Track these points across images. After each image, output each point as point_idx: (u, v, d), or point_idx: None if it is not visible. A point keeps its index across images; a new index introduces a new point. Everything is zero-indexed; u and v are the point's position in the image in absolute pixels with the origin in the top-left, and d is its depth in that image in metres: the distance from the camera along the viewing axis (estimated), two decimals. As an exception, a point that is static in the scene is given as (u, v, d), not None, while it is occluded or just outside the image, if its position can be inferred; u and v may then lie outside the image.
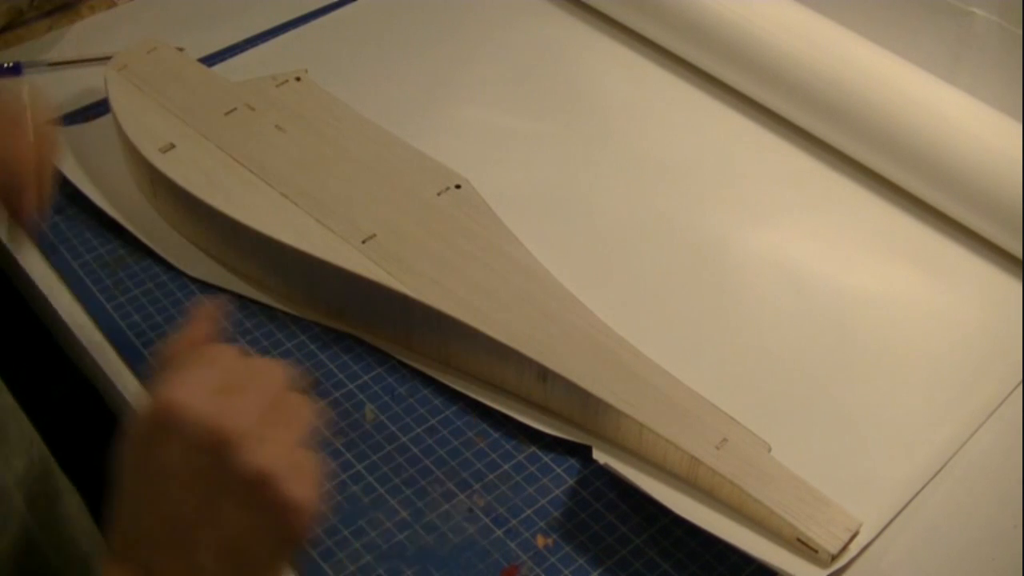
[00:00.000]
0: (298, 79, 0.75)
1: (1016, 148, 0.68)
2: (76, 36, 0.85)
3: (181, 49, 0.77)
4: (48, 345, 0.68)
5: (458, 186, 0.68)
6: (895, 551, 0.56)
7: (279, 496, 0.40)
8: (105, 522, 0.42)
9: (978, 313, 0.68)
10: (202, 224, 0.67)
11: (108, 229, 0.70)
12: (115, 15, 0.88)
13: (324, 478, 0.42)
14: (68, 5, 0.88)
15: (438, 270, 0.62)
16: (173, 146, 0.68)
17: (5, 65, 0.81)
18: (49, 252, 0.69)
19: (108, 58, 0.75)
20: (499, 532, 0.56)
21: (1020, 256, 0.69)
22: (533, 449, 0.60)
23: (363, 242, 0.63)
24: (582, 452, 0.59)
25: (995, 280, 0.69)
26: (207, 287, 0.67)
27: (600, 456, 0.58)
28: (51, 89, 0.79)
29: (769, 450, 0.57)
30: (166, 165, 0.67)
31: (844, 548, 0.54)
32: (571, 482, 0.59)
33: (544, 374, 0.59)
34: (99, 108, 0.77)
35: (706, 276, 0.69)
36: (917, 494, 0.58)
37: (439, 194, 0.67)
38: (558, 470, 0.59)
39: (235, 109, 0.72)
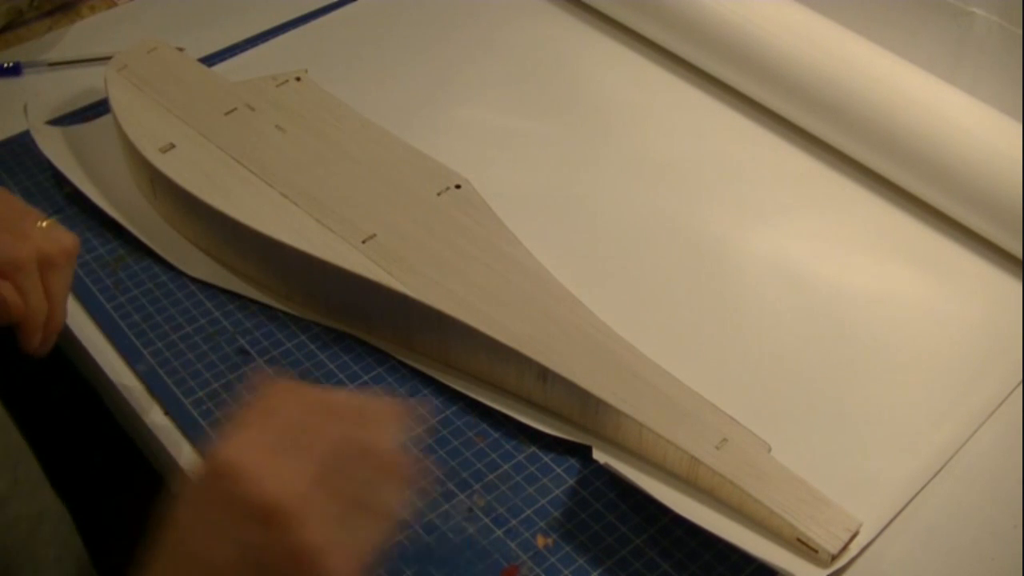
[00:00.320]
0: (298, 79, 0.75)
1: (1016, 148, 0.68)
2: (76, 36, 0.85)
3: (181, 49, 0.77)
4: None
5: (458, 186, 0.68)
6: (895, 551, 0.56)
7: (319, 573, 0.39)
8: (138, 562, 0.41)
9: (978, 313, 0.68)
10: (202, 224, 0.67)
11: (108, 229, 0.70)
12: (115, 15, 0.88)
13: (387, 534, 0.41)
14: (68, 5, 0.88)
15: (438, 270, 0.62)
16: (173, 146, 0.68)
17: (5, 65, 0.81)
18: (49, 252, 0.69)
19: (108, 58, 0.75)
20: (499, 532, 0.56)
21: (1020, 256, 0.69)
22: (533, 449, 0.60)
23: (363, 242, 0.63)
24: (582, 452, 0.59)
25: (995, 280, 0.69)
26: (207, 287, 0.67)
27: (600, 456, 0.58)
28: (51, 89, 0.80)
29: (769, 450, 0.57)
30: (166, 165, 0.67)
31: (844, 548, 0.54)
32: (571, 482, 0.59)
33: (544, 374, 0.59)
34: (99, 108, 0.77)
35: (706, 276, 0.69)
36: (917, 494, 0.58)
37: (439, 194, 0.67)
38: (558, 470, 0.59)
39: (235, 109, 0.72)
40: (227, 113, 0.71)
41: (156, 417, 0.61)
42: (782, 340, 0.65)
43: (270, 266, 0.66)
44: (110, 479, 0.77)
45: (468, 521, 0.57)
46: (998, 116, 0.71)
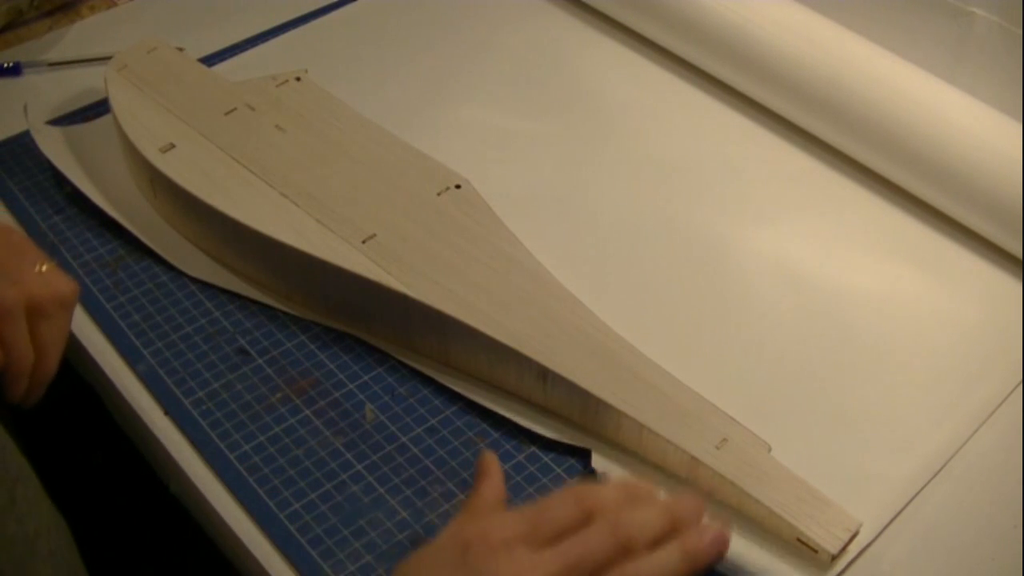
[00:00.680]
0: (298, 79, 0.75)
1: (1016, 148, 0.68)
2: (76, 36, 0.85)
3: (181, 49, 0.77)
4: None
5: (458, 186, 0.68)
6: (895, 551, 0.56)
7: None
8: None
9: (978, 313, 0.68)
10: (202, 224, 0.67)
11: (108, 229, 0.70)
12: (115, 15, 0.88)
13: None
14: (68, 5, 0.88)
15: (438, 270, 0.62)
16: (173, 146, 0.68)
17: (5, 65, 0.81)
18: (49, 252, 0.69)
19: (108, 58, 0.75)
20: (499, 532, 0.56)
21: (1020, 256, 0.69)
22: (533, 449, 0.60)
23: (363, 242, 0.63)
24: (582, 452, 0.59)
25: (995, 280, 0.69)
26: (207, 287, 0.67)
27: (599, 463, 0.58)
28: (51, 89, 0.80)
29: (769, 450, 0.57)
30: (166, 165, 0.67)
31: (844, 548, 0.54)
32: (571, 482, 0.58)
33: (544, 374, 0.59)
34: (99, 108, 0.77)
35: (706, 276, 0.69)
36: (917, 494, 0.58)
37: (439, 194, 0.67)
38: (558, 470, 0.59)
39: (235, 109, 0.72)
40: (227, 113, 0.71)
41: (156, 417, 0.61)
42: (782, 340, 0.65)
43: (270, 266, 0.66)
44: (110, 479, 0.77)
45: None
46: (998, 116, 0.71)
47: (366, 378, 0.63)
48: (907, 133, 0.71)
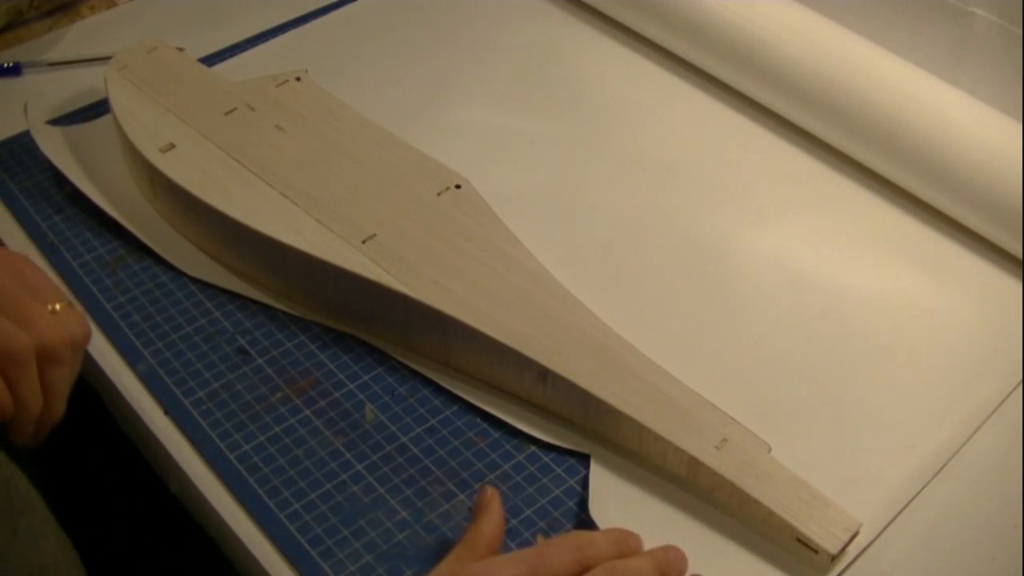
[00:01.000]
0: (298, 79, 0.75)
1: (1016, 148, 0.68)
2: (76, 36, 0.85)
3: (181, 49, 0.77)
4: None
5: (458, 186, 0.68)
6: (895, 551, 0.56)
7: None
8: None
9: (978, 313, 0.68)
10: (202, 224, 0.67)
11: (108, 229, 0.70)
12: (115, 15, 0.88)
13: None
14: (68, 5, 0.88)
15: (438, 270, 0.62)
16: (173, 146, 0.68)
17: (5, 65, 0.81)
18: (49, 252, 0.69)
19: (108, 58, 0.75)
20: (499, 532, 0.56)
21: (1020, 256, 0.69)
22: (533, 449, 0.60)
23: (363, 242, 0.63)
24: (582, 453, 0.59)
25: (995, 280, 0.69)
26: (207, 287, 0.67)
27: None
28: (51, 89, 0.80)
29: (769, 450, 0.57)
30: (166, 165, 0.67)
31: (844, 548, 0.54)
32: (571, 482, 0.59)
33: (544, 374, 0.59)
34: (99, 108, 0.77)
35: (706, 276, 0.69)
36: (917, 494, 0.58)
37: (439, 194, 0.67)
38: (558, 470, 0.59)
39: (235, 109, 0.72)
40: (227, 113, 0.71)
41: (156, 417, 0.61)
42: (782, 340, 0.66)
43: (270, 266, 0.66)
44: (110, 479, 0.77)
45: (468, 521, 0.56)
46: (998, 116, 0.71)
47: (366, 378, 0.63)
48: (907, 133, 0.71)
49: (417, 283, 0.61)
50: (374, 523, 0.56)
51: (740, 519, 0.56)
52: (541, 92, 0.82)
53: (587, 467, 0.59)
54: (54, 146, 0.73)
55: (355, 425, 0.61)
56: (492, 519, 0.52)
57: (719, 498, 0.56)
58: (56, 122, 0.77)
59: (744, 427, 0.58)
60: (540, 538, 0.56)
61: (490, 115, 0.80)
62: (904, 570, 0.55)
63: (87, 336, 0.55)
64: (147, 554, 0.75)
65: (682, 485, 0.58)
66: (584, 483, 0.58)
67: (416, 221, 0.65)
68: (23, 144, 0.75)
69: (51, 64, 0.82)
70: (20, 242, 0.69)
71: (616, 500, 0.57)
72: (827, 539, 0.54)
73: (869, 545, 0.56)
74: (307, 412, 0.61)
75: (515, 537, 0.56)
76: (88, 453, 0.77)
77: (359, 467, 0.59)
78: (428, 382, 0.63)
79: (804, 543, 0.54)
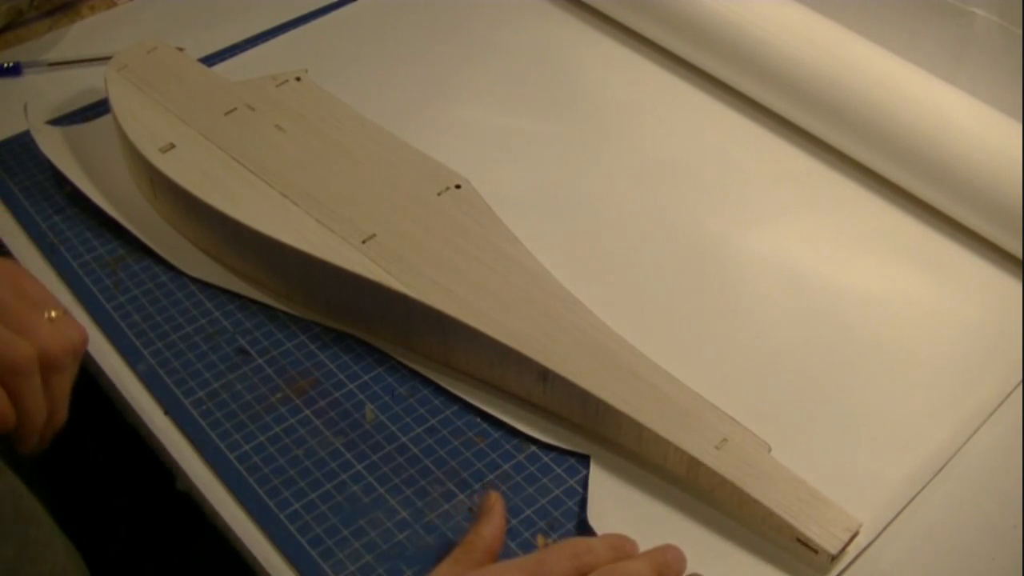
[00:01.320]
0: (298, 79, 0.75)
1: (1016, 148, 0.68)
2: (76, 36, 0.85)
3: (181, 49, 0.77)
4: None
5: (458, 186, 0.68)
6: (895, 551, 0.56)
7: None
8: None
9: (978, 313, 0.68)
10: (202, 224, 0.67)
11: (108, 229, 0.70)
12: (115, 15, 0.88)
13: None
14: (68, 5, 0.88)
15: (438, 270, 0.62)
16: (173, 146, 0.68)
17: (5, 65, 0.81)
18: (49, 252, 0.69)
19: (108, 58, 0.75)
20: (499, 532, 0.56)
21: (1020, 256, 0.69)
22: (533, 449, 0.60)
23: (363, 242, 0.63)
24: (582, 453, 0.60)
25: (995, 280, 0.69)
26: (207, 287, 0.67)
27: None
28: (51, 89, 0.80)
29: (769, 450, 0.57)
30: (166, 165, 0.67)
31: (844, 548, 0.54)
32: (571, 482, 0.59)
33: (544, 374, 0.59)
34: (99, 108, 0.77)
35: (706, 276, 0.69)
36: (917, 494, 0.58)
37: (439, 194, 0.67)
38: (558, 470, 0.59)
39: (235, 109, 0.72)
40: (227, 113, 0.71)
41: (156, 417, 0.61)
42: (782, 340, 0.66)
43: (270, 266, 0.66)
44: (110, 479, 0.77)
45: (468, 521, 0.57)
46: (998, 116, 0.71)
47: (366, 378, 0.63)
48: (907, 133, 0.71)
49: (417, 283, 0.61)
50: (374, 523, 0.56)
51: (740, 519, 0.56)
52: (541, 92, 0.82)
53: (587, 467, 0.59)
54: (54, 146, 0.73)
55: (355, 425, 0.61)
56: (493, 523, 0.53)
57: (719, 498, 0.56)
58: (56, 122, 0.77)
59: (744, 427, 0.58)
60: (540, 539, 0.56)
61: (490, 115, 0.80)
62: (904, 570, 0.55)
63: (85, 342, 0.55)
64: (148, 554, 0.75)
65: (682, 485, 0.58)
66: (584, 483, 0.58)
67: (416, 221, 0.65)
68: (23, 144, 0.75)
69: (51, 64, 0.82)
70: (20, 242, 0.69)
71: (616, 500, 0.57)
72: (827, 539, 0.54)
73: (869, 545, 0.56)
74: (307, 412, 0.61)
75: (515, 537, 0.56)
76: (89, 454, 0.77)
77: (359, 467, 0.59)
78: (428, 382, 0.63)
79: (804, 543, 0.54)
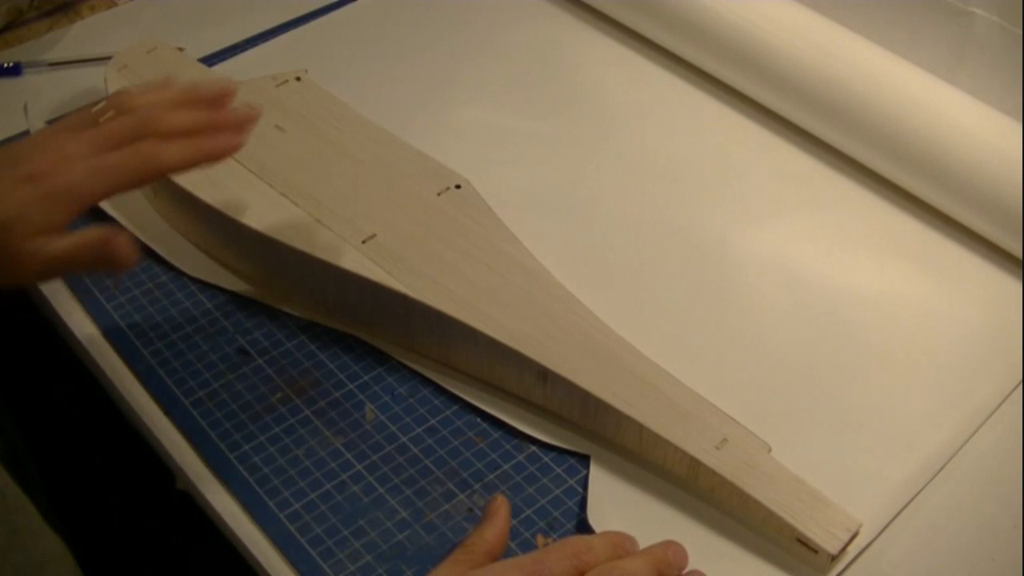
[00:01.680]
0: (298, 79, 0.75)
1: (1016, 148, 0.68)
2: (76, 36, 0.85)
3: (181, 49, 0.78)
4: (48, 345, 0.68)
5: (458, 186, 0.68)
6: (895, 551, 0.56)
7: None
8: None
9: (978, 313, 0.68)
10: (202, 224, 0.67)
11: (108, 229, 0.70)
12: (115, 15, 0.88)
13: None
14: (68, 5, 0.88)
15: (438, 270, 0.62)
16: (173, 146, 0.68)
17: (5, 65, 0.81)
18: (49, 252, 0.69)
19: (108, 58, 0.75)
20: (499, 532, 0.56)
21: (1020, 256, 0.69)
22: (533, 449, 0.60)
23: (363, 242, 0.63)
24: (582, 453, 0.60)
25: (995, 280, 0.69)
26: (207, 287, 0.67)
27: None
28: (51, 89, 0.79)
29: (769, 450, 0.57)
30: (166, 165, 0.67)
31: (844, 549, 0.54)
32: (571, 482, 0.59)
33: (544, 374, 0.59)
34: (99, 108, 0.77)
35: (706, 276, 0.69)
36: (917, 494, 0.58)
37: (439, 194, 0.67)
38: (558, 470, 0.59)
39: (235, 109, 0.71)
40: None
41: (156, 417, 0.61)
42: (782, 340, 0.66)
43: (270, 266, 0.66)
44: (110, 479, 0.77)
45: (468, 521, 0.57)
46: (998, 116, 0.71)
47: (366, 378, 0.63)
48: (907, 133, 0.71)
49: (417, 283, 0.61)
50: (374, 523, 0.56)
51: (740, 519, 0.56)
52: (541, 92, 0.82)
53: (587, 467, 0.59)
54: (54, 146, 0.73)
55: (355, 425, 0.61)
56: (497, 526, 0.53)
57: (719, 498, 0.56)
58: (56, 122, 0.77)
59: (744, 427, 0.58)
60: (540, 539, 0.56)
61: (490, 115, 0.80)
62: (904, 570, 0.55)
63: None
64: (147, 554, 0.75)
65: (682, 485, 0.58)
66: (584, 483, 0.58)
67: (416, 221, 0.65)
68: (23, 144, 0.75)
69: (51, 64, 0.82)
70: (20, 242, 0.69)
71: (616, 500, 0.57)
72: (827, 539, 0.54)
73: (869, 545, 0.56)
74: (307, 412, 0.61)
75: (515, 537, 0.56)
76: (89, 454, 0.77)
77: (359, 467, 0.59)
78: (428, 382, 0.63)
79: (804, 543, 0.54)
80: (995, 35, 0.74)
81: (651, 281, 0.69)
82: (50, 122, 0.76)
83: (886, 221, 0.73)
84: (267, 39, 0.85)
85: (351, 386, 0.62)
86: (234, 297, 0.67)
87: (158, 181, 0.68)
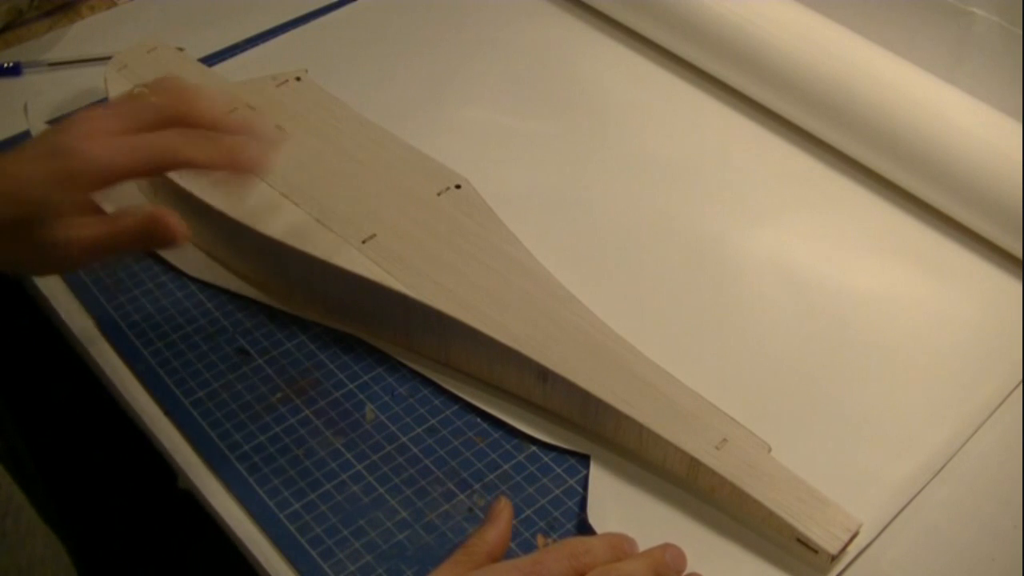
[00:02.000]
0: (298, 79, 0.75)
1: (1016, 148, 0.68)
2: (76, 36, 0.85)
3: (181, 49, 0.77)
4: (48, 345, 0.68)
5: (458, 186, 0.68)
6: (895, 551, 0.56)
7: None
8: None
9: (978, 313, 0.68)
10: (202, 224, 0.67)
11: (108, 229, 0.70)
12: (115, 15, 0.88)
13: None
14: (68, 5, 0.88)
15: (438, 270, 0.62)
16: (173, 146, 0.68)
17: (5, 65, 0.81)
18: (49, 252, 0.69)
19: (108, 58, 0.75)
20: (499, 532, 0.56)
21: (1020, 256, 0.69)
22: (533, 449, 0.60)
23: (363, 242, 0.63)
24: (582, 452, 0.60)
25: (995, 280, 0.69)
26: (207, 287, 0.67)
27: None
28: (51, 89, 0.79)
29: (769, 450, 0.57)
30: (166, 165, 0.67)
31: (844, 548, 0.54)
32: (571, 482, 0.59)
33: (544, 374, 0.59)
34: (99, 108, 0.77)
35: (706, 276, 0.69)
36: (917, 494, 0.58)
37: (439, 194, 0.67)
38: (558, 470, 0.59)
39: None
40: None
41: (156, 417, 0.61)
42: (782, 340, 0.66)
43: (270, 266, 0.66)
44: (110, 479, 0.77)
45: (468, 521, 0.57)
46: (998, 116, 0.71)
47: (366, 378, 0.63)
48: (907, 133, 0.71)
49: (417, 283, 0.61)
50: (374, 523, 0.56)
51: (740, 519, 0.56)
52: (541, 92, 0.82)
53: (587, 467, 0.59)
54: (54, 146, 0.73)
55: (355, 425, 0.61)
56: (498, 528, 0.53)
57: (719, 498, 0.56)
58: (56, 122, 0.77)
59: (744, 427, 0.58)
60: (540, 539, 0.56)
61: (490, 115, 0.80)
62: (904, 570, 0.55)
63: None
64: (148, 553, 0.75)
65: (682, 485, 0.58)
66: (584, 483, 0.58)
67: (416, 221, 0.65)
68: (23, 144, 0.75)
69: (51, 64, 0.82)
70: (20, 242, 0.69)
71: (616, 500, 0.57)
72: (827, 539, 0.54)
73: (869, 545, 0.56)
74: (307, 412, 0.61)
75: (515, 537, 0.56)
76: (89, 454, 0.77)
77: (359, 467, 0.59)
78: (428, 382, 0.63)
79: (804, 543, 0.54)
80: (995, 35, 0.74)
81: (651, 281, 0.69)
82: (50, 122, 0.76)
83: (886, 221, 0.73)
84: (267, 39, 0.85)
85: (351, 386, 0.62)
86: (234, 297, 0.67)
87: (158, 180, 0.68)
